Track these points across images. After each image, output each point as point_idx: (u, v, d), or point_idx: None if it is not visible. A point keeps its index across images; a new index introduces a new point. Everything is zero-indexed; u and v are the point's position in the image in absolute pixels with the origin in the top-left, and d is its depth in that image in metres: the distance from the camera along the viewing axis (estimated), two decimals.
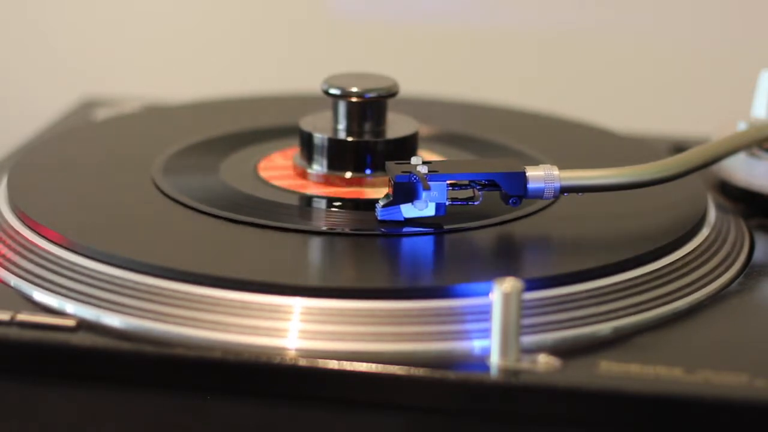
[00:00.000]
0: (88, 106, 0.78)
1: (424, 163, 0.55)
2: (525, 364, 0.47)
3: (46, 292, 0.51)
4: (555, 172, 0.55)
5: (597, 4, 0.90)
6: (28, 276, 0.52)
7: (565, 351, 0.48)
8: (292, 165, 0.62)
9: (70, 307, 0.50)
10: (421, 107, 0.71)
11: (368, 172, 0.60)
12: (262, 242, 0.54)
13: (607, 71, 0.91)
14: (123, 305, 0.50)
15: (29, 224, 0.55)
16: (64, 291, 0.51)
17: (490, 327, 0.47)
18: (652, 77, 0.91)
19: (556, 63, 0.92)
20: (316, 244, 0.54)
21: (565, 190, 0.55)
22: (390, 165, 0.55)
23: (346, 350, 0.48)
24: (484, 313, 0.48)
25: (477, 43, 0.92)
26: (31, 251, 0.53)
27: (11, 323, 0.49)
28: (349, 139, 0.61)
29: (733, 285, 0.54)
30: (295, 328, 0.48)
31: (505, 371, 0.46)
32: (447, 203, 0.54)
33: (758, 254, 0.58)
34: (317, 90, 0.62)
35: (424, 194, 0.54)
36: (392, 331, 0.48)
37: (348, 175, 0.60)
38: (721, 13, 0.89)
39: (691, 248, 0.55)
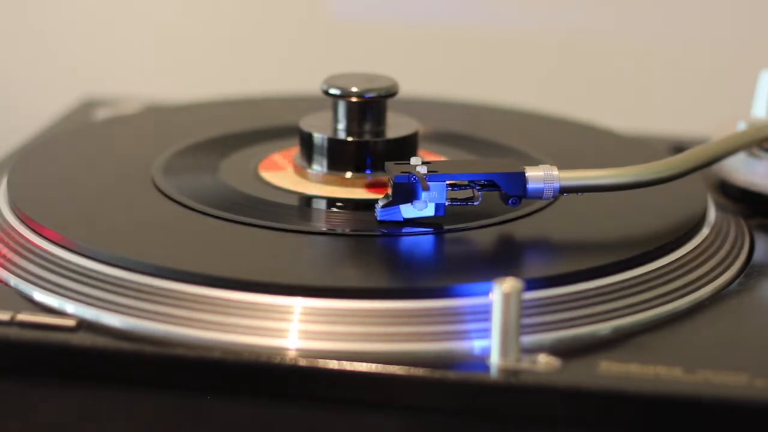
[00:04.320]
0: (88, 106, 0.78)
1: (423, 163, 0.55)
2: (525, 364, 0.47)
3: (46, 292, 0.51)
4: (554, 172, 0.55)
5: (597, 5, 0.90)
6: (28, 276, 0.52)
7: (565, 351, 0.48)
8: (292, 165, 0.62)
9: (70, 307, 0.50)
10: (421, 107, 0.71)
11: (368, 172, 0.60)
12: (262, 242, 0.54)
13: (607, 72, 0.91)
14: (123, 305, 0.50)
15: (29, 224, 0.55)
16: (64, 291, 0.51)
17: (490, 327, 0.47)
18: (652, 77, 0.91)
19: (556, 63, 0.92)
20: (316, 245, 0.54)
21: (564, 190, 0.55)
22: (389, 165, 0.55)
23: (346, 350, 0.48)
24: (484, 313, 0.48)
25: (477, 43, 0.92)
26: (31, 251, 0.53)
27: (11, 323, 0.49)
28: (349, 139, 0.61)
29: (733, 285, 0.54)
30: (295, 328, 0.48)
31: (505, 371, 0.46)
32: (446, 203, 0.54)
33: (758, 254, 0.58)
34: (317, 90, 0.62)
35: (423, 194, 0.54)
36: (392, 331, 0.48)
37: (348, 175, 0.60)
38: (721, 14, 0.89)
39: (691, 248, 0.55)
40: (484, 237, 0.55)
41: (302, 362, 0.47)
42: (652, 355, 0.48)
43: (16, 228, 0.55)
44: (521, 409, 0.46)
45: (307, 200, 0.59)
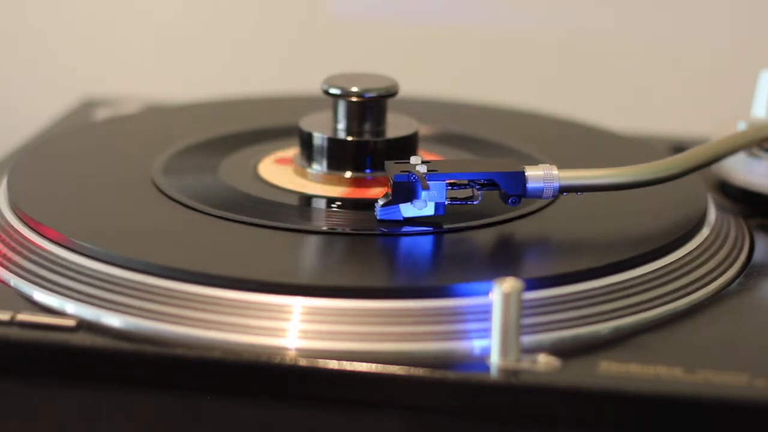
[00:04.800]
0: (88, 106, 0.78)
1: (423, 162, 0.55)
2: (525, 364, 0.47)
3: (46, 292, 0.51)
4: (554, 171, 0.55)
5: (597, 5, 0.90)
6: (28, 276, 0.52)
7: (565, 351, 0.48)
8: (292, 165, 0.62)
9: (70, 307, 0.50)
10: (421, 107, 0.71)
11: (368, 171, 0.60)
12: (262, 242, 0.54)
13: (607, 72, 0.91)
14: (123, 305, 0.50)
15: (29, 224, 0.55)
16: (64, 291, 0.51)
17: (490, 327, 0.47)
18: (652, 77, 0.91)
19: (555, 64, 0.92)
20: (315, 244, 0.54)
21: (564, 189, 0.55)
22: (389, 164, 0.55)
23: (346, 350, 0.48)
24: (484, 313, 0.48)
25: (477, 43, 0.92)
26: (31, 251, 0.53)
27: (11, 323, 0.49)
28: (349, 138, 0.61)
29: (733, 285, 0.54)
30: (295, 328, 0.48)
31: (505, 371, 0.46)
32: (446, 203, 0.54)
33: (758, 254, 0.58)
34: (317, 90, 0.62)
35: (423, 194, 0.54)
36: (392, 331, 0.48)
37: (348, 174, 0.60)
38: (721, 14, 0.89)
39: (691, 248, 0.55)
40: (484, 237, 0.55)
41: (302, 362, 0.47)
42: (652, 355, 0.48)
43: (16, 228, 0.55)
44: (521, 409, 0.46)
45: (306, 200, 0.59)
